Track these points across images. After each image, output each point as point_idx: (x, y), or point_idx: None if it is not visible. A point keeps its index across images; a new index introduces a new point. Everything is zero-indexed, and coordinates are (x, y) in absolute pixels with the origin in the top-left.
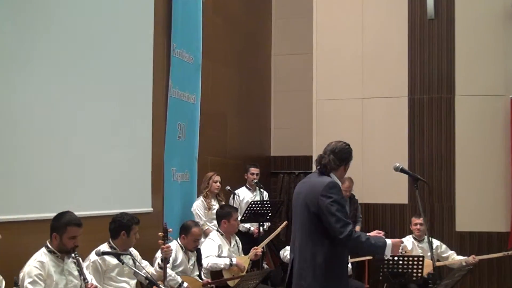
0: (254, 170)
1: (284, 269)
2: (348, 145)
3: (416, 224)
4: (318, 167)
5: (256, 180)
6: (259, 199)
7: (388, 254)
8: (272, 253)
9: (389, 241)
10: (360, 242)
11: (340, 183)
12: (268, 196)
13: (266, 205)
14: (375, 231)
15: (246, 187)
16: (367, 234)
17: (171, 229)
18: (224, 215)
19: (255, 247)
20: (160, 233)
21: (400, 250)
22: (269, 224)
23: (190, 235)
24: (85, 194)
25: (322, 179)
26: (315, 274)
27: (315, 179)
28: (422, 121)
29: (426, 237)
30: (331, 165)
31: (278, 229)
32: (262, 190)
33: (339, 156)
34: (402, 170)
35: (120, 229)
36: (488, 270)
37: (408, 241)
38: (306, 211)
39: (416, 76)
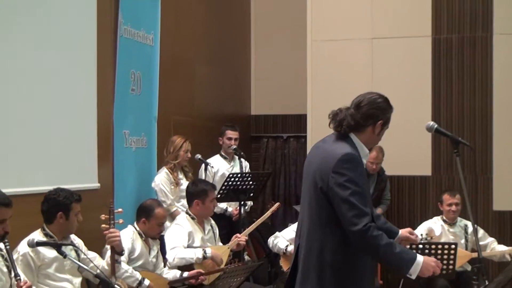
0: (231, 133)
1: (271, 262)
2: (383, 97)
3: (451, 204)
4: (334, 125)
5: (234, 147)
6: (238, 171)
7: (413, 274)
8: (255, 241)
9: (420, 258)
10: (378, 245)
11: (365, 151)
12: (250, 167)
13: (247, 179)
14: (407, 229)
15: (221, 156)
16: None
17: (120, 210)
18: (198, 193)
19: (238, 235)
20: (103, 216)
21: (423, 235)
22: (251, 203)
23: (153, 219)
24: (13, 166)
25: (336, 147)
26: (321, 276)
27: (329, 145)
28: (449, 67)
29: (459, 219)
30: (349, 123)
31: (269, 212)
32: (242, 159)
33: (366, 111)
34: (438, 131)
35: (56, 209)
36: None
37: (436, 224)
38: (314, 189)
39: (442, 10)
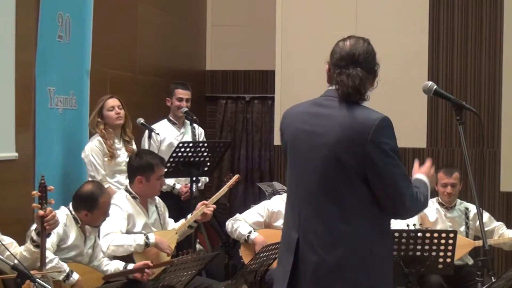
0: (182, 93)
1: (229, 252)
2: (368, 40)
3: (445, 185)
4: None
5: (186, 109)
6: (191, 139)
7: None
8: (208, 226)
9: (425, 178)
10: (422, 206)
11: None
12: (205, 135)
13: (201, 149)
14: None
15: (169, 121)
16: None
17: (52, 187)
18: (142, 168)
19: (205, 202)
20: (34, 192)
21: (415, 225)
22: (206, 179)
23: (98, 209)
24: None
25: (364, 112)
26: (366, 268)
27: (348, 111)
28: (451, 16)
29: (458, 202)
30: (363, 87)
31: (226, 187)
32: (195, 125)
33: (367, 65)
34: (437, 93)
35: None
36: None
37: (431, 209)
38: (336, 166)
39: None
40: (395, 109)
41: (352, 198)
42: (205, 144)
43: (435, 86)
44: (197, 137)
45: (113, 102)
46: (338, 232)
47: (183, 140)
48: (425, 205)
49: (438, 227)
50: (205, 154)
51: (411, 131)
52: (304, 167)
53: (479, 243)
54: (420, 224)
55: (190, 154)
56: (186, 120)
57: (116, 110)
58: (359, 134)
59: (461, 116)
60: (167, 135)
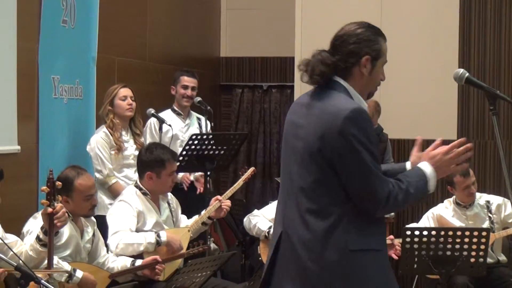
0: (187, 80)
1: (246, 252)
2: (366, 26)
3: (468, 187)
4: (307, 78)
5: (199, 99)
6: (197, 131)
7: (434, 187)
8: (224, 224)
9: (427, 169)
10: (400, 204)
11: (364, 103)
12: (219, 127)
13: (216, 142)
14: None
15: (173, 111)
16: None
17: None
18: (152, 163)
19: (218, 197)
20: (44, 188)
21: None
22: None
23: (76, 193)
24: None
25: (336, 102)
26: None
27: (325, 101)
28: (483, 3)
29: (477, 196)
30: (321, 70)
31: (241, 181)
32: (200, 116)
33: (344, 49)
34: (469, 81)
35: None
36: None
37: (448, 210)
38: (310, 159)
39: None
40: (424, 99)
41: (328, 193)
42: (220, 137)
43: (467, 74)
44: (204, 129)
45: (126, 91)
46: (314, 228)
47: (188, 132)
48: (412, 198)
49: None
50: (219, 147)
51: (440, 122)
52: (289, 159)
53: (499, 234)
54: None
55: (204, 147)
56: (191, 112)
57: (129, 100)
58: (330, 126)
59: (494, 105)
60: (170, 127)
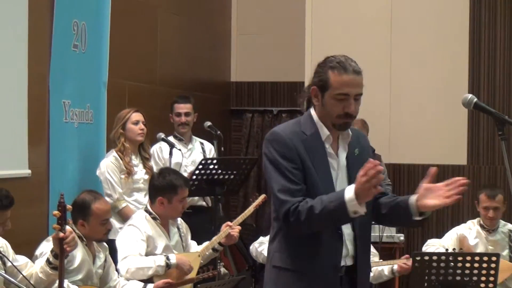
0: (179, 107)
1: (256, 276)
2: (327, 58)
3: (487, 209)
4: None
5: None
6: (201, 156)
7: (357, 210)
8: (234, 248)
9: (350, 192)
10: (302, 225)
11: (324, 131)
12: (229, 151)
13: (225, 166)
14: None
15: (175, 137)
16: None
17: (70, 206)
18: (164, 189)
19: (228, 223)
20: (56, 213)
21: (456, 247)
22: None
23: (93, 218)
24: None
25: None
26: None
27: None
28: (493, 25)
29: (502, 223)
30: (301, 98)
31: (251, 207)
32: (203, 141)
33: (314, 76)
34: (477, 107)
35: None
36: None
37: (471, 231)
38: None
39: None
40: (433, 124)
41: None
42: (230, 161)
43: (475, 99)
44: (206, 153)
45: (138, 116)
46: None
47: (191, 157)
48: (317, 218)
49: (479, 251)
50: (230, 171)
51: (450, 147)
52: None
53: None
54: (461, 249)
55: (213, 171)
56: (193, 137)
57: (141, 125)
58: None
59: (503, 131)
60: (173, 152)
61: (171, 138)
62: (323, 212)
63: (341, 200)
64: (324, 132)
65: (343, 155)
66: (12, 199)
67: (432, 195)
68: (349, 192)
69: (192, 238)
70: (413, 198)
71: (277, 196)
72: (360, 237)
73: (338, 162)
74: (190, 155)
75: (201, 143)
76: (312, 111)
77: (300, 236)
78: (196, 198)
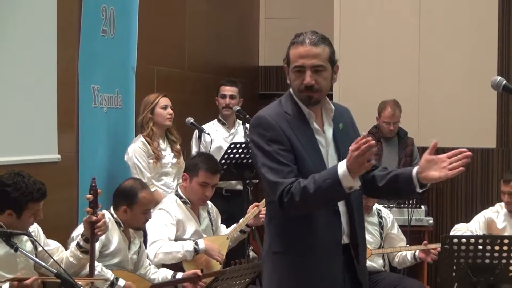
0: (224, 89)
1: None
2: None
3: (503, 193)
4: None
5: (238, 107)
6: (242, 140)
7: (351, 185)
8: (262, 233)
9: (342, 168)
10: (297, 205)
11: (305, 109)
12: None
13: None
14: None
15: (219, 121)
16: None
17: (100, 191)
18: (188, 167)
19: (256, 203)
20: (89, 196)
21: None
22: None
23: (137, 206)
24: None
25: None
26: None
27: None
28: None
29: None
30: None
31: None
32: (248, 125)
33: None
34: (506, 89)
35: (5, 205)
36: None
37: (499, 214)
38: None
39: None
40: (462, 107)
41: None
42: None
43: (505, 81)
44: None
45: (166, 101)
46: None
47: (233, 141)
48: (313, 197)
49: (507, 234)
50: None
51: (479, 131)
52: None
53: None
54: (490, 233)
55: (242, 155)
56: (238, 120)
57: (169, 110)
58: None
59: None
60: (216, 136)
61: (214, 122)
62: (318, 191)
63: (335, 177)
64: (304, 109)
65: (329, 131)
66: (44, 192)
67: (435, 167)
68: (342, 167)
69: (230, 222)
70: (414, 171)
71: (268, 180)
72: (355, 212)
73: (326, 138)
74: (232, 139)
75: (245, 127)
76: (291, 90)
77: (297, 217)
78: (234, 182)
